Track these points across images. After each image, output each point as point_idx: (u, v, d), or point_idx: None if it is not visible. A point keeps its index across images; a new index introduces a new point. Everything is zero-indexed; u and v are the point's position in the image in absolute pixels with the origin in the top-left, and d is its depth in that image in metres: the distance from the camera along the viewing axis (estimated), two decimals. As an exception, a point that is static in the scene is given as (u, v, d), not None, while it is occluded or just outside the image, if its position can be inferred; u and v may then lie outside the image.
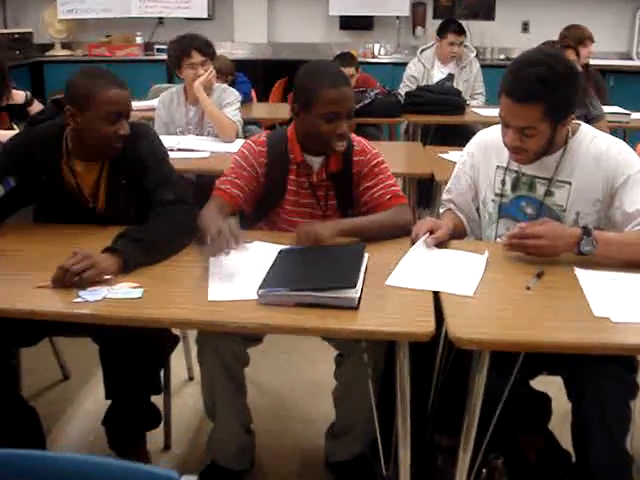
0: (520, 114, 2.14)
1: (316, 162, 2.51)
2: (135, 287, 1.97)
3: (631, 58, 7.39)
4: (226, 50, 6.77)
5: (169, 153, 3.53)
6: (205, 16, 7.47)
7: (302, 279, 1.93)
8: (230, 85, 4.79)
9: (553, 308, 1.88)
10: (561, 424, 2.36)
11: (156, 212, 2.31)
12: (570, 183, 2.28)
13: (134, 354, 2.23)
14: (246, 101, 5.25)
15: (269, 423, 2.84)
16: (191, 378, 3.18)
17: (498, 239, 2.42)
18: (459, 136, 4.98)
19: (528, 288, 1.97)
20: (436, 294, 1.94)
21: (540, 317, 1.82)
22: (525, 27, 7.62)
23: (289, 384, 3.19)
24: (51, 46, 7.82)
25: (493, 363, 1.80)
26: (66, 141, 2.42)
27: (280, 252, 2.14)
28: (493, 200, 2.43)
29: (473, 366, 1.83)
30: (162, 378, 2.51)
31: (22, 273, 2.08)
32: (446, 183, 2.89)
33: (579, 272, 2.09)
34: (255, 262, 2.10)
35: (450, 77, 5.58)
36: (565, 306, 1.89)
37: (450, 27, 5.61)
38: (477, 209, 2.52)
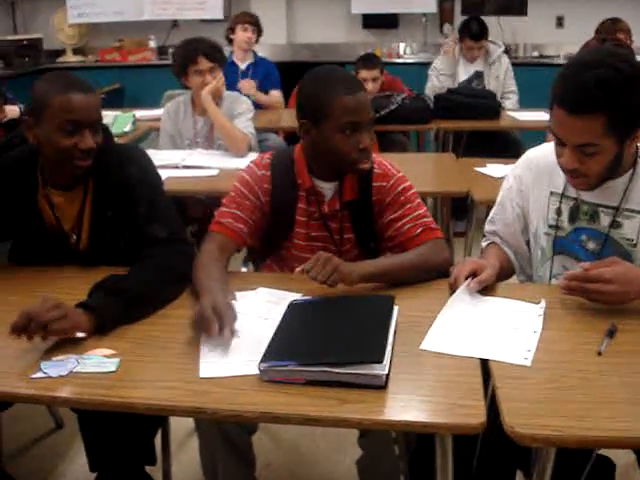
0: (577, 128, 1.72)
1: (328, 189, 2.13)
2: (110, 355, 1.60)
3: (674, 53, 6.94)
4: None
5: (173, 171, 3.28)
6: (221, 17, 7.13)
7: (315, 349, 1.53)
8: (259, 58, 5.23)
9: (633, 384, 1.46)
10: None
11: (144, 253, 1.94)
12: None
13: (119, 422, 1.87)
14: (276, 87, 5.18)
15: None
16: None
17: (553, 279, 2.03)
18: (495, 143, 4.67)
19: (599, 354, 1.57)
20: (483, 361, 1.56)
21: (620, 399, 1.41)
22: (560, 22, 7.19)
23: (309, 435, 2.81)
24: (62, 52, 7.57)
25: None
26: (41, 168, 2.06)
27: (290, 306, 1.76)
28: (547, 233, 2.03)
29: (535, 462, 1.43)
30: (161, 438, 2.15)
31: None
32: (486, 203, 2.50)
33: (659, 326, 1.69)
34: (259, 320, 1.72)
35: (478, 74, 5.22)
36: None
37: (467, 32, 5.20)
38: (527, 242, 2.12)
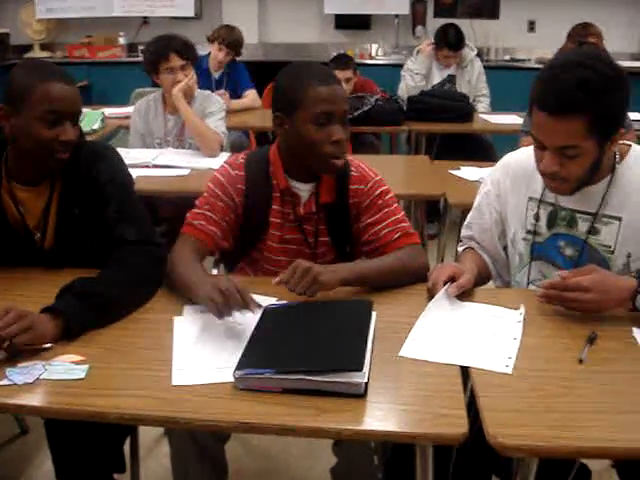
0: (558, 130, 1.70)
1: (304, 190, 2.08)
2: (78, 361, 1.54)
3: (643, 58, 7.00)
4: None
5: (143, 170, 3.21)
6: (192, 15, 7.06)
7: (292, 356, 1.48)
8: (233, 63, 5.09)
9: (617, 392, 1.44)
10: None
11: (114, 255, 1.88)
12: (620, 218, 1.85)
13: (87, 429, 1.81)
14: (248, 88, 5.19)
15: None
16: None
17: (531, 285, 2.01)
18: (467, 145, 4.66)
19: (581, 361, 1.55)
20: (463, 368, 1.52)
21: (603, 408, 1.39)
22: (531, 26, 7.20)
23: (281, 440, 2.75)
24: (29, 47, 7.41)
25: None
26: (6, 162, 1.98)
27: (265, 311, 1.70)
28: (525, 239, 2.00)
29: (517, 472, 1.40)
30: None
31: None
32: (460, 206, 2.47)
33: (638, 334, 1.67)
34: (233, 325, 1.67)
35: (451, 78, 5.20)
36: (630, 389, 1.46)
37: (444, 41, 5.16)
38: (505, 248, 2.09)
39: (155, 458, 2.61)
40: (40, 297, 1.73)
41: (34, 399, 1.43)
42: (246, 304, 1.61)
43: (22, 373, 1.49)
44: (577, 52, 1.83)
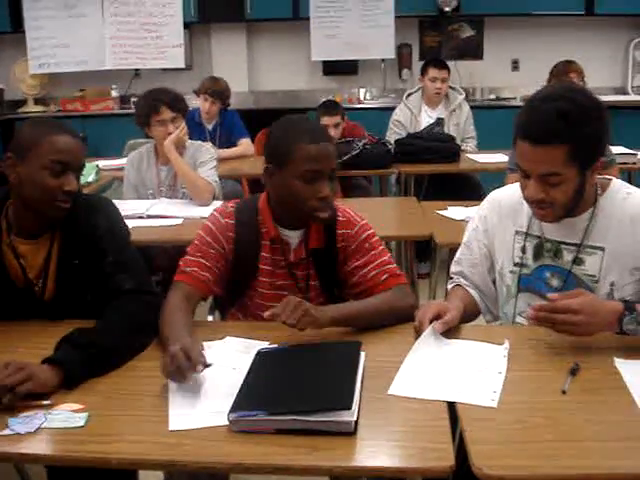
0: (541, 159, 1.79)
1: (293, 237, 2.14)
2: (77, 410, 1.59)
3: (627, 92, 7.13)
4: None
5: (138, 221, 3.28)
6: (182, 66, 7.17)
7: (284, 398, 1.53)
8: (224, 111, 5.17)
9: (598, 421, 1.49)
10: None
11: (111, 305, 1.94)
12: (603, 249, 1.93)
13: (88, 476, 1.84)
14: (242, 136, 5.25)
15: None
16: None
17: (518, 317, 2.07)
18: (455, 185, 4.74)
19: (564, 392, 1.60)
20: (450, 404, 1.57)
21: (586, 436, 1.44)
22: (515, 65, 7.35)
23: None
24: (23, 102, 7.50)
25: None
26: (7, 216, 2.05)
27: (258, 354, 1.76)
28: (512, 271, 2.07)
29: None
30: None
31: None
32: (447, 245, 2.53)
33: (620, 364, 1.72)
34: (227, 370, 1.72)
35: (439, 121, 5.27)
36: (612, 418, 1.51)
37: (431, 62, 5.33)
38: (494, 282, 2.16)
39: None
40: (40, 349, 1.78)
41: (36, 447, 1.47)
42: (193, 365, 1.62)
43: (24, 423, 1.54)
44: (558, 85, 1.95)
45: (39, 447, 1.48)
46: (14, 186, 2.00)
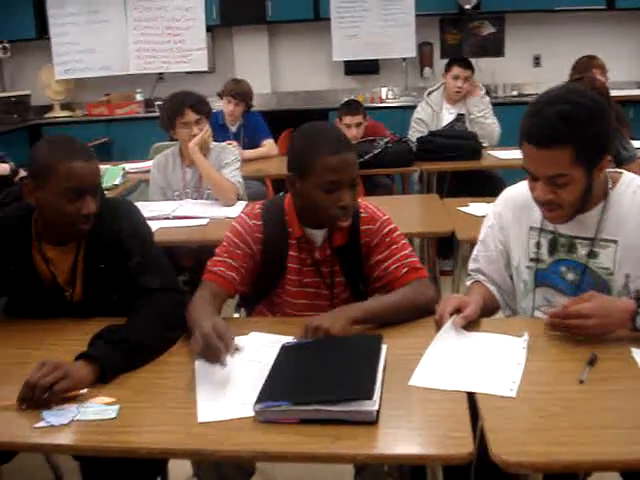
0: (547, 161, 1.83)
1: (318, 236, 2.19)
2: (109, 403, 1.65)
3: (650, 86, 7.10)
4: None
5: (164, 222, 3.35)
6: (206, 69, 7.27)
7: (307, 389, 1.58)
8: (247, 113, 5.19)
9: (615, 410, 1.53)
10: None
11: (139, 303, 2.01)
12: (616, 242, 1.96)
13: (120, 468, 1.90)
14: (266, 137, 5.28)
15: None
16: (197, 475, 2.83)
17: (536, 311, 2.10)
18: (478, 182, 4.74)
19: (581, 382, 1.63)
20: (470, 394, 1.61)
21: (602, 424, 1.47)
22: (537, 61, 7.36)
23: (307, 477, 2.83)
24: (50, 108, 7.64)
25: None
26: (36, 225, 2.13)
27: (282, 348, 1.82)
28: (528, 267, 2.10)
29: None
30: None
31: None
32: (469, 241, 2.56)
33: (637, 354, 1.75)
34: (253, 363, 1.78)
35: (460, 117, 5.30)
36: (628, 406, 1.54)
37: (456, 61, 5.34)
38: (511, 277, 2.19)
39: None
40: (72, 345, 1.86)
41: (69, 439, 1.54)
42: (225, 345, 1.69)
43: (57, 415, 1.60)
44: (561, 87, 1.96)
45: (72, 438, 1.54)
46: (36, 208, 2.08)
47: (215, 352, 1.68)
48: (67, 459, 2.84)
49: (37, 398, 1.64)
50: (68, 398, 1.67)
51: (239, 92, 5.21)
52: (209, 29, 7.27)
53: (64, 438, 1.54)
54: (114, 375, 1.77)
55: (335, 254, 2.19)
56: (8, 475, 2.63)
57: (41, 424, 1.58)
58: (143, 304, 2.00)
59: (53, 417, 1.60)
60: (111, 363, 1.77)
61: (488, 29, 7.29)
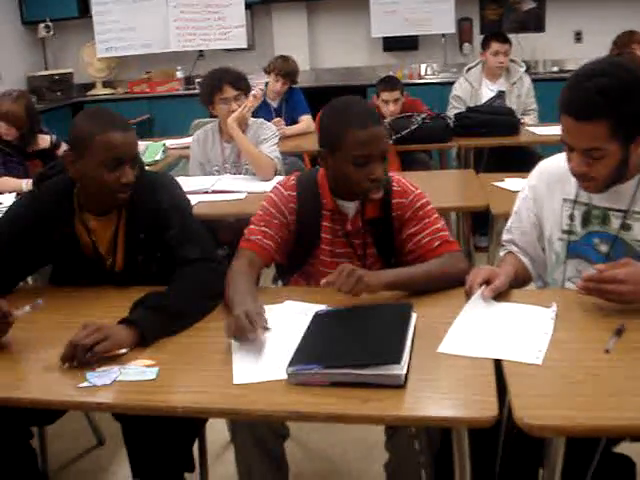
0: (583, 134, 1.85)
1: (350, 208, 2.24)
2: (149, 365, 1.73)
3: (694, 63, 6.96)
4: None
5: (203, 196, 3.42)
6: (245, 46, 7.32)
7: (338, 353, 1.65)
8: (290, 90, 5.21)
9: (638, 377, 1.55)
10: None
11: (179, 272, 2.08)
12: None
13: (160, 430, 1.99)
14: (304, 113, 5.33)
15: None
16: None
17: (567, 282, 2.12)
18: (515, 158, 4.73)
19: (607, 351, 1.66)
20: (497, 362, 1.66)
21: (625, 391, 1.50)
22: (578, 37, 7.26)
23: (339, 443, 2.91)
24: (92, 85, 7.77)
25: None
26: (78, 196, 2.21)
27: (315, 316, 1.88)
28: (560, 238, 2.13)
29: (547, 453, 1.53)
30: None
31: (28, 350, 1.87)
32: (503, 216, 2.59)
33: (666, 326, 1.78)
34: (286, 329, 1.84)
35: (500, 94, 5.27)
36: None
37: (493, 36, 5.31)
38: (543, 249, 2.22)
39: (222, 464, 2.77)
40: (114, 312, 1.94)
41: (111, 397, 1.62)
42: (254, 329, 1.75)
43: (100, 376, 1.69)
44: (600, 60, 1.96)
45: (114, 397, 1.62)
46: (76, 179, 2.16)
47: (244, 334, 1.75)
48: (109, 425, 2.96)
49: (79, 358, 1.73)
50: (110, 360, 1.75)
51: (288, 72, 5.24)
52: (248, 6, 7.31)
53: (106, 397, 1.62)
54: (153, 339, 1.85)
55: (367, 226, 2.24)
56: (52, 439, 2.74)
57: (85, 384, 1.66)
58: (183, 273, 2.07)
59: (96, 378, 1.68)
60: (151, 328, 1.85)
61: (529, 4, 7.21)
